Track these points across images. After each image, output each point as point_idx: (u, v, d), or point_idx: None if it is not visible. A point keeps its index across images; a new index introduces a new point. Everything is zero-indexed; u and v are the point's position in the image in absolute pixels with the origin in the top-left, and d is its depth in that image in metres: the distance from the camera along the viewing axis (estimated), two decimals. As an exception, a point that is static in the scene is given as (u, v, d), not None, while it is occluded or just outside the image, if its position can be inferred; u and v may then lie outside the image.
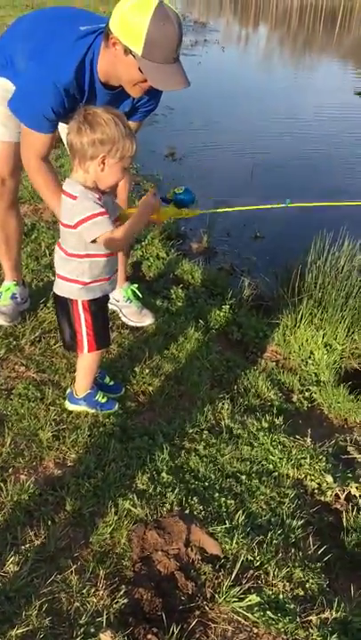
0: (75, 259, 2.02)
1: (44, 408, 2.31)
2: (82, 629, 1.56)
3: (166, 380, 2.65)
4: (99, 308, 2.14)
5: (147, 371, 2.68)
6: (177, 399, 2.59)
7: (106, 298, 2.18)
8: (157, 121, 7.30)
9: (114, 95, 2.30)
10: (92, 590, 1.67)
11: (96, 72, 2.19)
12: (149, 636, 1.58)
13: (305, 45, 19.31)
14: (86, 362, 2.25)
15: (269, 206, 2.66)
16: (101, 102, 2.37)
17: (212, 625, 1.66)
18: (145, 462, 2.15)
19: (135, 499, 1.97)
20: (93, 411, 2.33)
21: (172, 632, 1.57)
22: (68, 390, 2.36)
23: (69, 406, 2.34)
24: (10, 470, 2.02)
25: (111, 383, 2.47)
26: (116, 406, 2.38)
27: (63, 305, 2.13)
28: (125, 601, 1.65)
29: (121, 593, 1.67)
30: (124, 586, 1.70)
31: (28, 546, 1.76)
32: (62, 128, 2.39)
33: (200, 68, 11.71)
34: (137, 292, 3.12)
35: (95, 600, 1.65)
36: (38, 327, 2.82)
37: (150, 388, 2.59)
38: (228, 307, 3.42)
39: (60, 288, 2.10)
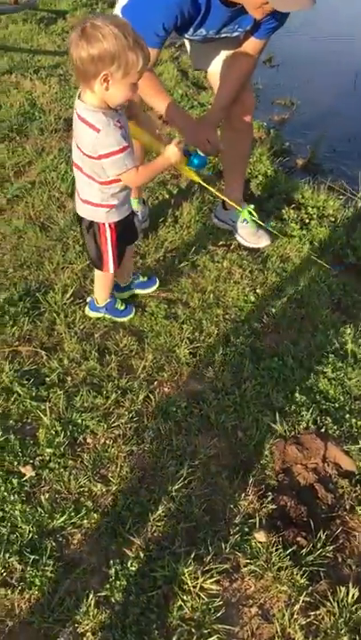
0: (101, 185, 1.99)
1: (178, 326, 2.43)
2: (237, 528, 1.74)
3: (288, 303, 2.70)
4: (123, 227, 2.17)
5: (268, 292, 2.74)
6: (299, 322, 2.65)
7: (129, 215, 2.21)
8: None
9: (234, 12, 2.21)
10: (242, 495, 1.84)
11: None
12: (298, 539, 1.74)
13: None
14: (107, 279, 2.35)
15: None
16: (219, 19, 2.30)
17: (355, 533, 1.81)
18: (278, 382, 2.26)
19: (273, 416, 2.10)
20: (114, 317, 2.43)
21: (320, 537, 1.73)
22: (89, 299, 2.46)
23: (91, 313, 2.45)
24: (155, 383, 2.18)
25: (145, 279, 2.56)
26: (133, 311, 2.47)
27: (88, 227, 2.15)
28: (273, 506, 1.82)
29: (268, 499, 1.83)
30: (270, 493, 1.86)
31: (181, 452, 1.93)
32: None
33: None
34: (253, 212, 3.11)
35: (246, 503, 1.82)
36: (161, 246, 2.91)
37: (273, 310, 2.65)
38: (341, 229, 3.37)
39: (85, 212, 2.11)
